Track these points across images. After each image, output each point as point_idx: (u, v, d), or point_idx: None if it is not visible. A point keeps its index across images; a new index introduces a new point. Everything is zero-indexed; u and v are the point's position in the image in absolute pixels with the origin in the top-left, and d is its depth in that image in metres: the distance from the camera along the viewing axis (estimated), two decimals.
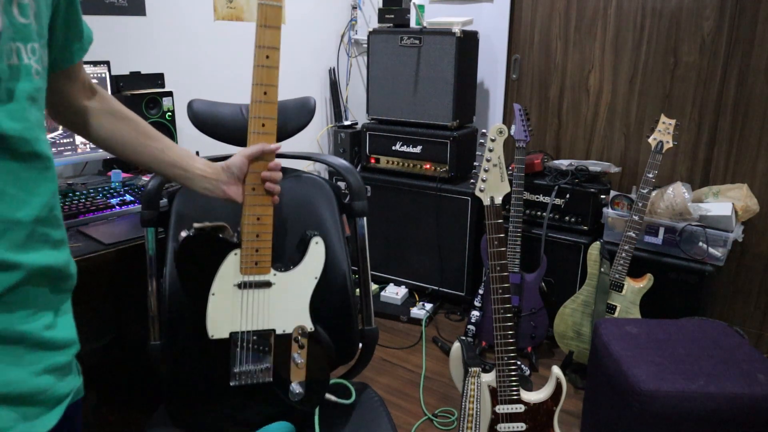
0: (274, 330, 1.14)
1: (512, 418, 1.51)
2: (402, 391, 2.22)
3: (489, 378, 1.52)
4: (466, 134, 2.71)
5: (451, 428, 2.02)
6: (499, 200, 1.48)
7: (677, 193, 2.20)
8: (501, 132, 1.47)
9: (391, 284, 2.90)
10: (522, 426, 1.51)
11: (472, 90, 2.80)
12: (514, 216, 2.31)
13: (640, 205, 2.10)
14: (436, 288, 2.80)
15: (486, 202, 1.48)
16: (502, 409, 1.51)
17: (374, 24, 3.03)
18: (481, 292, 2.45)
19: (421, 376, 2.31)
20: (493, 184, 1.47)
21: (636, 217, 2.11)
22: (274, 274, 1.13)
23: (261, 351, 1.14)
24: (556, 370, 1.52)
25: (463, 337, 2.41)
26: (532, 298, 2.33)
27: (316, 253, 1.17)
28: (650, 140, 2.13)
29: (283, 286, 1.14)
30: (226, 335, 1.11)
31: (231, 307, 1.10)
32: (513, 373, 1.50)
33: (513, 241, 2.31)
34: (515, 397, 1.50)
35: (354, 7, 3.24)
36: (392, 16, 2.75)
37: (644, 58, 2.58)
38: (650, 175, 2.09)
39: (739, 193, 2.26)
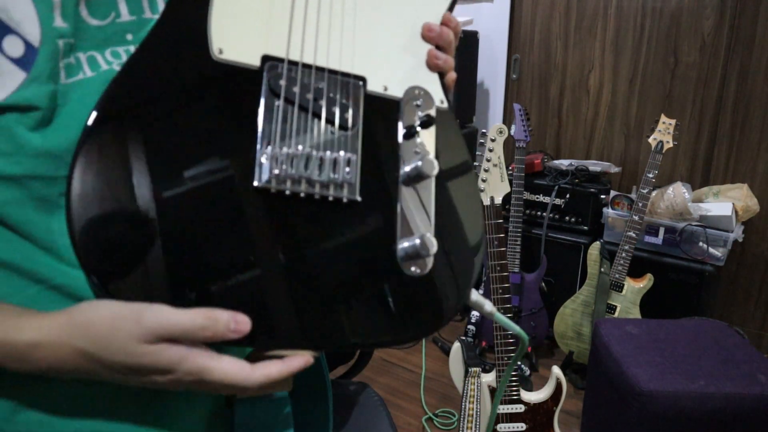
0: (363, 80, 0.53)
1: (512, 418, 1.51)
2: (402, 391, 2.22)
3: (489, 378, 1.52)
4: (466, 134, 2.70)
5: (452, 428, 2.02)
6: (499, 200, 1.48)
7: (677, 193, 2.20)
8: (501, 132, 1.47)
9: None
10: (522, 426, 1.51)
11: (472, 90, 2.80)
12: (514, 216, 2.31)
13: (640, 205, 2.10)
14: None
15: (486, 202, 1.48)
16: (502, 409, 1.51)
17: None
18: (481, 292, 2.45)
19: (421, 376, 2.31)
20: (493, 184, 1.47)
21: (636, 217, 2.11)
22: None
23: (331, 121, 0.50)
24: (556, 370, 1.52)
25: (463, 337, 2.42)
26: (532, 298, 2.33)
27: None
28: (650, 140, 2.13)
29: None
30: (254, 61, 0.48)
31: (274, 3, 0.50)
32: (513, 373, 1.50)
33: (513, 241, 2.31)
34: (515, 397, 1.50)
35: None
36: None
37: (644, 58, 2.57)
38: (650, 175, 2.09)
39: (739, 193, 2.26)
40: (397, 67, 0.55)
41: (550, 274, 2.42)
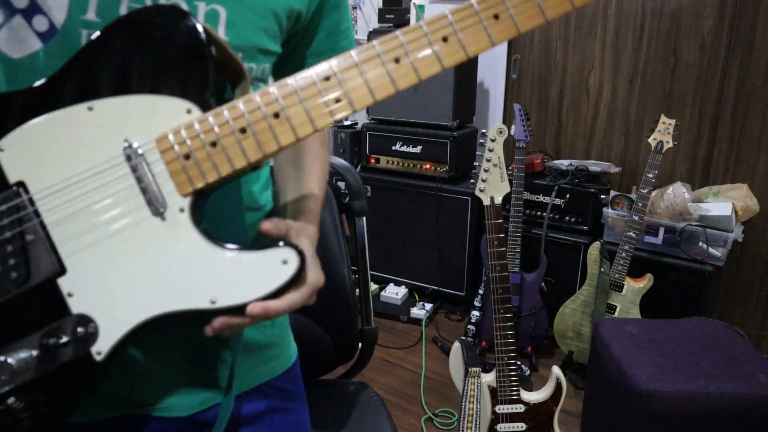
0: (62, 275, 0.54)
1: (512, 418, 1.51)
2: (402, 391, 2.21)
3: (489, 378, 1.52)
4: (466, 134, 2.70)
5: (452, 428, 2.02)
6: (499, 200, 1.48)
7: (677, 193, 2.20)
8: (501, 132, 1.47)
9: (391, 284, 2.90)
10: (522, 426, 1.51)
11: (472, 90, 2.80)
12: (514, 216, 2.31)
13: (640, 205, 2.10)
14: (436, 288, 2.79)
15: (486, 202, 1.48)
16: (502, 409, 1.51)
17: (374, 24, 3.03)
18: (481, 292, 2.45)
19: (421, 376, 2.31)
20: (493, 184, 1.47)
21: (636, 217, 2.11)
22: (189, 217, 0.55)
23: None
24: (556, 370, 1.52)
25: (463, 337, 2.41)
26: (532, 298, 2.33)
27: (270, 272, 0.56)
28: (650, 140, 2.13)
29: (179, 244, 0.55)
30: (13, 176, 0.53)
31: (78, 159, 0.53)
32: (513, 373, 1.50)
33: (513, 241, 2.31)
34: (515, 397, 1.50)
35: (354, 7, 3.24)
36: (392, 16, 2.75)
37: (644, 58, 2.57)
38: (650, 175, 2.09)
39: (739, 193, 2.26)
40: (106, 303, 0.54)
41: (550, 274, 2.42)
